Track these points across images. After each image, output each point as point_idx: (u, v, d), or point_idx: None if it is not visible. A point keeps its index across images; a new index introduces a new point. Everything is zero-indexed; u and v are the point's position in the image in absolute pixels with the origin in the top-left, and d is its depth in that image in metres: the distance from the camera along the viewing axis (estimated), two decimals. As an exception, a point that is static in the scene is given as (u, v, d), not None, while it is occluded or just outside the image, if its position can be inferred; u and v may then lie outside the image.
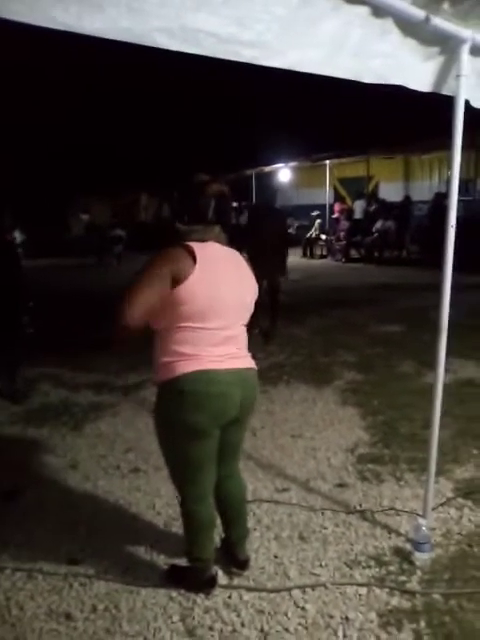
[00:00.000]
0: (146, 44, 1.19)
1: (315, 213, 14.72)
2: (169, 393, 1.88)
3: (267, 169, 16.40)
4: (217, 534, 2.24)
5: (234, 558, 2.21)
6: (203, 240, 1.88)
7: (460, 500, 2.71)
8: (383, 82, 1.80)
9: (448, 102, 2.07)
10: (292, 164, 16.02)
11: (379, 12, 1.64)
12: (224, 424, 1.95)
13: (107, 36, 1.13)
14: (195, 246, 1.84)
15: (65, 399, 4.41)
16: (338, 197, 16.41)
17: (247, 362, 1.99)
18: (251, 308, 2.00)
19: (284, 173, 16.54)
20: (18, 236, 17.63)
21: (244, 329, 1.98)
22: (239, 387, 1.92)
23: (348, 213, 13.94)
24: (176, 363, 1.84)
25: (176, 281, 1.78)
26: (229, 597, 2.09)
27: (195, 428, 1.88)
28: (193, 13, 1.26)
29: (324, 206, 15.36)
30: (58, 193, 18.24)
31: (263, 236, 5.55)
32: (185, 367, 1.84)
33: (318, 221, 14.60)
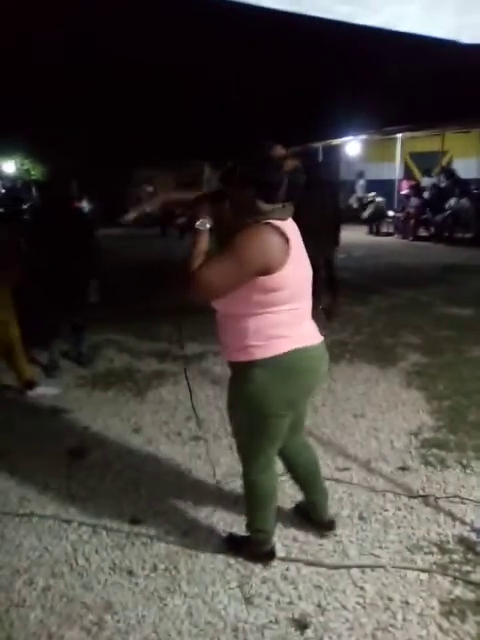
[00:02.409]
0: (251, 2, 1.14)
1: (371, 194, 14.26)
2: (266, 371, 1.85)
3: (335, 142, 15.89)
4: (291, 501, 2.36)
5: (319, 520, 2.31)
6: (283, 219, 1.81)
7: None
8: (483, 41, 1.66)
9: None
10: (361, 137, 15.44)
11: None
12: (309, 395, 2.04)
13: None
14: (285, 228, 1.78)
15: (128, 365, 4.53)
16: (409, 173, 15.72)
17: (319, 337, 2.00)
18: None
19: (353, 146, 15.99)
20: (85, 205, 18.16)
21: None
22: (324, 359, 1.99)
23: (418, 189, 13.34)
24: (271, 343, 1.84)
25: (271, 269, 1.74)
26: (287, 570, 2.10)
27: (288, 404, 1.93)
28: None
29: (393, 181, 14.77)
30: (123, 164, 18.53)
31: (314, 212, 5.40)
32: (283, 346, 1.85)
33: (378, 199, 14.09)
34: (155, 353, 4.79)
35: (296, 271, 1.80)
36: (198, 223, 1.86)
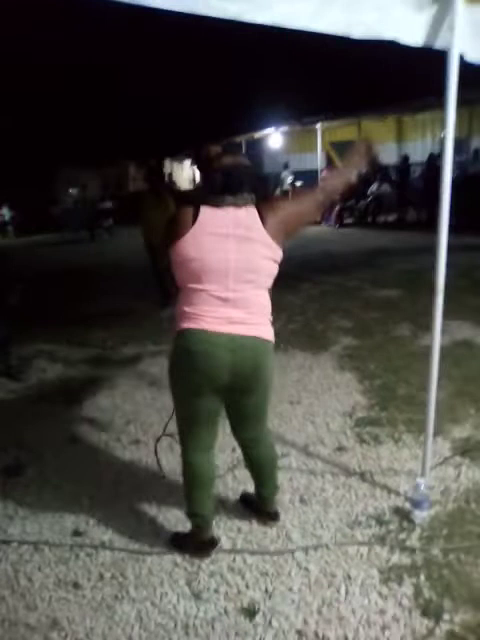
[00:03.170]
0: (140, 3, 1.13)
1: (290, 180, 14.65)
2: (173, 347, 2.01)
3: (257, 135, 16.07)
4: (235, 498, 2.41)
5: (265, 512, 2.35)
6: (219, 205, 1.92)
7: (458, 458, 2.75)
8: (374, 37, 1.74)
9: (440, 58, 2.00)
10: (283, 129, 15.70)
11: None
12: (221, 388, 1.98)
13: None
14: (203, 209, 1.92)
15: (62, 374, 4.41)
16: (331, 162, 16.15)
17: (251, 330, 1.96)
18: (269, 272, 1.98)
19: (275, 139, 16.23)
20: (6, 213, 17.36)
21: (257, 294, 1.97)
22: (230, 352, 1.91)
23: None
24: (180, 319, 1.98)
25: (171, 235, 1.93)
26: (233, 561, 2.13)
27: (188, 383, 1.98)
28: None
29: (316, 171, 15.13)
30: (44, 166, 17.87)
31: None
32: (183, 324, 1.95)
33: (290, 177, 14.53)
34: (88, 360, 4.69)
35: (203, 248, 1.89)
36: None
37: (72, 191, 18.88)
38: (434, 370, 2.30)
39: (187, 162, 21.66)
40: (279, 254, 1.97)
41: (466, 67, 2.01)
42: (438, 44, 1.98)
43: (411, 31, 1.90)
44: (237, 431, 2.22)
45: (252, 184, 1.97)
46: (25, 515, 2.54)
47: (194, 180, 21.48)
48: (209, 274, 1.90)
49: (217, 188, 1.93)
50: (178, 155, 20.41)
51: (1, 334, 4.24)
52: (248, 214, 1.94)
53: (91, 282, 8.43)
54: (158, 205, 5.58)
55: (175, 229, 1.92)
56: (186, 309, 1.95)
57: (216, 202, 1.92)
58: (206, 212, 1.91)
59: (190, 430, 2.08)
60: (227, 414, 2.16)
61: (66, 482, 2.79)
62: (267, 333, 2.02)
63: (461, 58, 1.99)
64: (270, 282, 2.01)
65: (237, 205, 1.93)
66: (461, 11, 1.90)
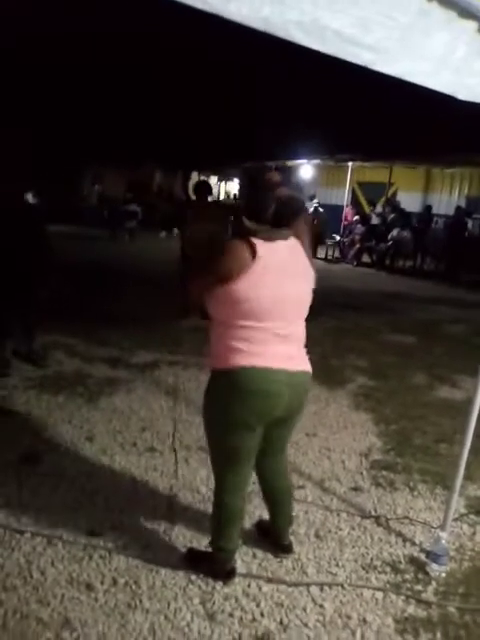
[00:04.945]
0: (280, 36, 1.18)
1: (311, 202, 14.59)
2: (222, 383, 1.91)
3: (289, 163, 16.31)
4: (251, 521, 2.40)
5: (279, 543, 2.32)
6: (270, 238, 1.86)
7: (473, 517, 2.75)
8: (473, 100, 1.80)
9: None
10: (315, 161, 15.94)
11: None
12: (269, 422, 1.98)
13: (247, 22, 1.13)
14: (258, 243, 1.83)
15: (79, 370, 4.41)
16: (355, 200, 16.36)
17: (302, 364, 1.99)
18: (309, 302, 2.00)
19: (306, 170, 16.46)
20: (30, 199, 17.48)
21: (303, 326, 1.99)
22: (289, 388, 1.93)
23: (364, 218, 13.93)
24: (232, 355, 1.87)
25: (231, 277, 1.80)
26: (248, 586, 2.12)
27: (240, 421, 1.92)
28: (324, 9, 1.26)
29: (341, 207, 15.33)
30: (72, 160, 18.06)
31: None
32: (240, 360, 1.86)
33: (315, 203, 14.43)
34: (106, 359, 4.69)
35: (263, 287, 1.82)
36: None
37: (96, 188, 19.08)
38: (471, 428, 2.32)
39: (213, 178, 21.92)
40: None
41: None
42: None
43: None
44: (261, 462, 2.17)
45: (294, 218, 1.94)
46: (40, 506, 2.52)
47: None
48: (269, 313, 1.85)
49: (269, 218, 1.86)
50: (218, 170, 20.65)
51: (29, 320, 4.26)
52: (295, 247, 1.95)
53: (109, 281, 8.46)
54: (202, 219, 5.64)
55: (231, 268, 1.80)
56: (239, 346, 1.86)
57: (270, 236, 1.86)
58: (262, 248, 1.83)
59: (232, 468, 2.02)
60: None
61: (82, 479, 2.78)
62: (309, 365, 2.04)
63: None
64: None
65: (285, 238, 1.91)
66: None
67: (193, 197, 6.51)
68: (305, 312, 1.99)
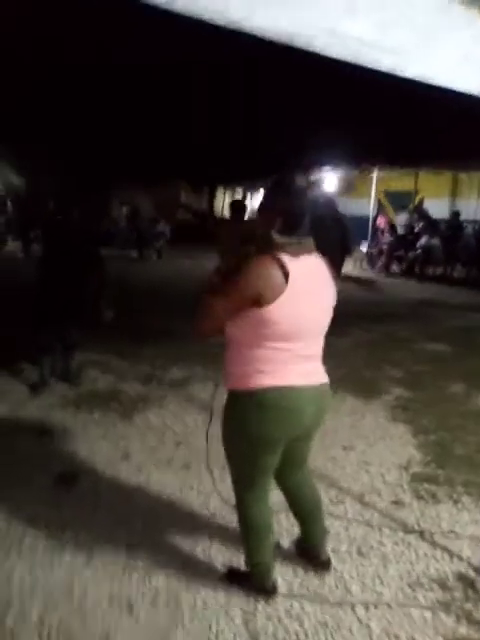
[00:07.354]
0: (301, 47, 1.18)
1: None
2: (245, 403, 1.87)
3: (313, 176, 16.32)
4: (289, 539, 2.31)
5: (316, 559, 2.26)
6: (297, 254, 1.79)
7: (522, 532, 2.64)
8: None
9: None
10: (339, 172, 15.91)
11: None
12: (292, 438, 1.96)
13: (268, 35, 1.13)
14: (288, 261, 1.75)
15: (113, 387, 4.45)
16: (380, 209, 16.22)
17: (322, 377, 1.97)
18: (330, 318, 1.95)
19: (330, 180, 16.42)
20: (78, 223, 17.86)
21: (322, 342, 1.95)
22: (314, 402, 1.91)
23: (392, 227, 13.79)
24: (256, 375, 1.83)
25: (263, 301, 1.73)
26: (291, 606, 2.07)
27: (267, 439, 1.89)
28: (343, 17, 1.25)
29: (367, 218, 15.20)
30: (103, 182, 18.45)
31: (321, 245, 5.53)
32: (264, 380, 1.82)
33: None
34: (139, 376, 4.71)
35: (294, 309, 1.75)
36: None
37: (125, 210, 19.43)
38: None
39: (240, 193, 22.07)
40: None
41: None
42: None
43: None
44: (283, 475, 2.15)
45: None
46: (79, 525, 2.53)
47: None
48: (296, 335, 1.80)
49: (305, 228, 1.80)
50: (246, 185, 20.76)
51: (71, 339, 4.31)
52: (319, 264, 1.90)
53: (139, 299, 8.55)
54: (236, 238, 5.66)
55: (264, 293, 1.71)
56: (262, 368, 1.81)
57: (297, 251, 1.78)
58: (292, 267, 1.74)
59: (254, 482, 2.00)
60: None
61: (119, 499, 2.78)
62: (326, 376, 2.01)
63: None
64: None
65: (310, 251, 1.84)
66: None
67: (226, 216, 6.58)
68: (326, 329, 1.94)
